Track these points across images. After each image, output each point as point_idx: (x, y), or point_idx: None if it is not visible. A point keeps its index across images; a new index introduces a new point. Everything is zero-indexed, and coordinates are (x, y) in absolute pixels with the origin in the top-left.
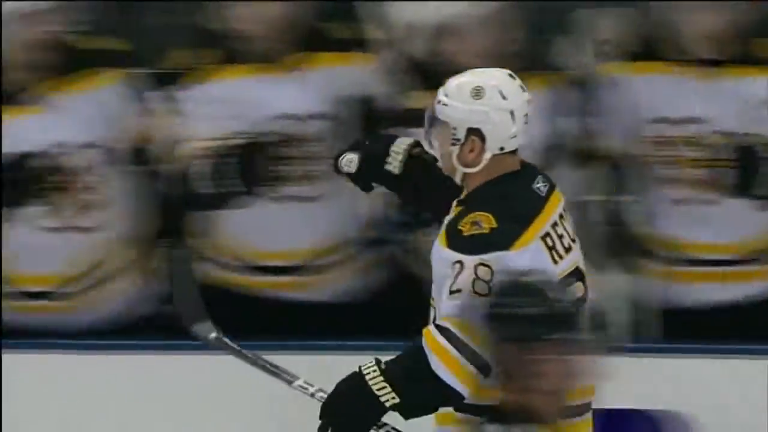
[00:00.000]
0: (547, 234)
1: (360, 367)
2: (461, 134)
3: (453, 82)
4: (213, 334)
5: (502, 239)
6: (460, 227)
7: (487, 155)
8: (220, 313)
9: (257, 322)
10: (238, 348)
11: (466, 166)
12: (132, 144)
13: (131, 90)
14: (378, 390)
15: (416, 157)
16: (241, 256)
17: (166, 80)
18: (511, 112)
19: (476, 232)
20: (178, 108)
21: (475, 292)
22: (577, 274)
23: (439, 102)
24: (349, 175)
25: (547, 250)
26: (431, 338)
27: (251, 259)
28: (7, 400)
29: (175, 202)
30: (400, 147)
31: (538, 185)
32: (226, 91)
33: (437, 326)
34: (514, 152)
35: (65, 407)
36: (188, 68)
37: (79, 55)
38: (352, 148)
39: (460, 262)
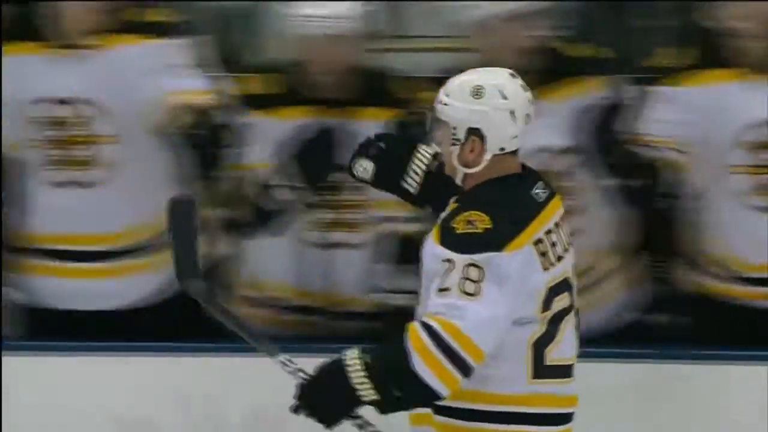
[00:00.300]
0: (540, 240)
1: (343, 356)
2: (461, 134)
3: (454, 82)
4: (203, 292)
5: (495, 240)
6: (453, 225)
7: (488, 156)
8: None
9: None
10: (225, 309)
11: (467, 166)
12: (617, 153)
13: (614, 96)
14: (358, 384)
15: (435, 172)
16: (728, 266)
17: (646, 82)
18: (512, 112)
19: (470, 230)
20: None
21: (463, 292)
22: (565, 284)
23: (440, 102)
24: (362, 180)
25: (538, 256)
26: (415, 336)
27: (738, 270)
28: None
29: (660, 215)
30: (420, 165)
31: (537, 191)
32: (703, 95)
33: (422, 323)
34: (514, 153)
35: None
36: (669, 69)
37: (565, 61)
38: (366, 153)
39: (450, 260)
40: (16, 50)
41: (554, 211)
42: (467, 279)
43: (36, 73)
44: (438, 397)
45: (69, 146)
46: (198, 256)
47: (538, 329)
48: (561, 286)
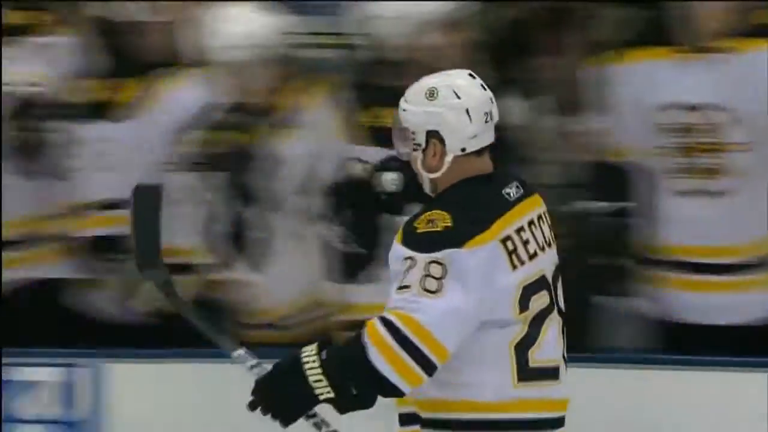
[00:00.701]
0: (509, 238)
1: (300, 352)
2: (421, 138)
3: (412, 87)
4: (162, 280)
5: (455, 237)
6: (415, 224)
7: (449, 157)
8: None
9: None
10: (182, 301)
11: (431, 171)
12: None
13: None
14: (314, 382)
15: None
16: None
17: None
18: (467, 111)
19: (430, 229)
20: None
21: (424, 289)
22: (542, 283)
23: (401, 109)
24: (385, 194)
25: (506, 253)
26: (373, 330)
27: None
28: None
29: None
30: None
31: (509, 190)
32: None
33: (380, 318)
34: (480, 154)
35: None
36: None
37: None
38: (390, 167)
39: (411, 257)
40: (646, 55)
41: (528, 209)
42: (429, 276)
43: (666, 79)
44: (397, 393)
45: (696, 154)
46: (160, 245)
47: (519, 331)
48: (537, 285)
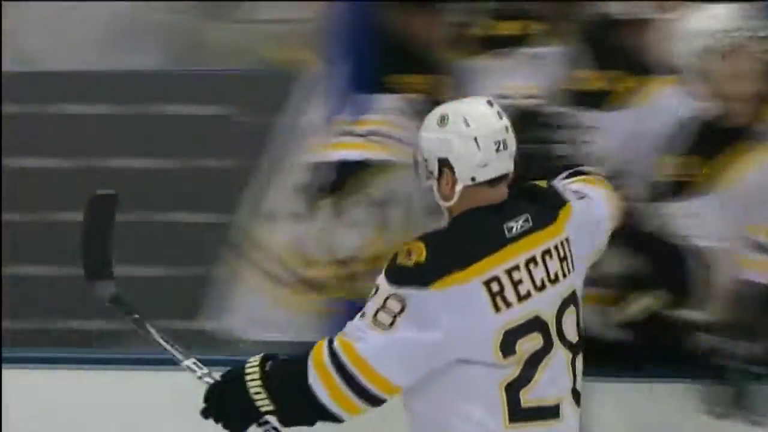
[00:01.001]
0: (495, 278)
1: (245, 364)
2: (433, 166)
3: (429, 115)
4: (111, 294)
5: (423, 276)
6: (398, 252)
7: (459, 186)
8: None
9: None
10: (132, 315)
11: (445, 200)
12: None
13: None
14: (254, 394)
15: None
16: None
17: None
18: (475, 139)
19: (404, 263)
20: None
21: (375, 321)
22: (533, 325)
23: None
24: None
25: (488, 295)
26: (318, 352)
27: None
28: None
29: None
30: None
31: (512, 224)
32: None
33: (328, 341)
34: (493, 184)
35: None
36: None
37: None
38: None
39: (378, 286)
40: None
41: (533, 245)
42: (384, 309)
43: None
44: (335, 419)
45: None
46: (111, 256)
47: (511, 373)
48: (526, 328)
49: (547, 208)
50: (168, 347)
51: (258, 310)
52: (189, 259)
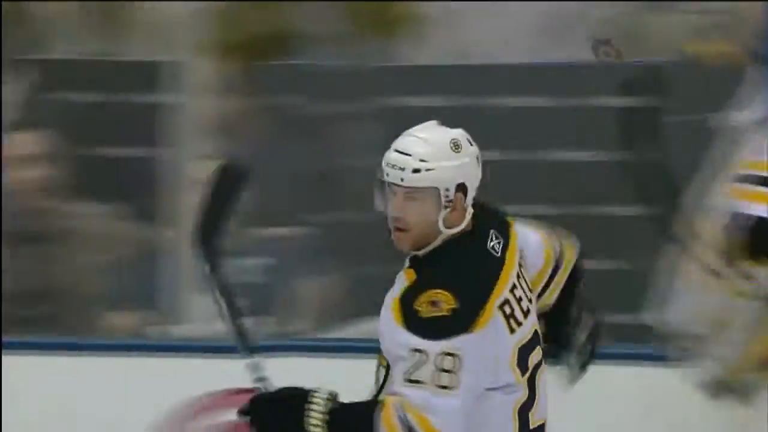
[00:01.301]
0: (506, 302)
1: (312, 392)
2: (452, 193)
3: (419, 146)
4: (213, 258)
5: (463, 321)
6: (417, 307)
7: (469, 210)
8: None
9: None
10: (224, 286)
11: (452, 227)
12: None
13: None
14: (312, 425)
15: None
16: None
17: None
18: (477, 158)
19: (436, 314)
20: None
21: (438, 386)
22: (536, 339)
23: (417, 171)
24: None
25: (505, 320)
26: (389, 416)
27: None
28: None
29: None
30: None
31: (493, 244)
32: None
33: (397, 408)
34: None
35: None
36: None
37: None
38: None
39: (420, 351)
40: None
41: (513, 261)
42: (442, 371)
43: None
44: None
45: None
46: (226, 225)
47: (522, 395)
48: (532, 342)
49: (498, 223)
50: (240, 336)
51: (697, 304)
52: (630, 252)
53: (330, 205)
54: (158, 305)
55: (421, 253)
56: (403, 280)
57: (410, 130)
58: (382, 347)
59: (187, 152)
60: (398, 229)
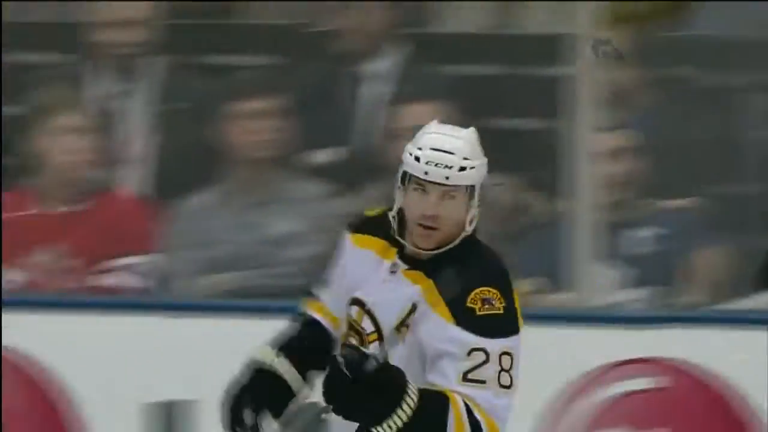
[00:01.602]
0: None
1: (410, 389)
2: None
3: (460, 145)
4: None
5: (514, 319)
6: (470, 305)
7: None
8: None
9: None
10: None
11: (471, 225)
12: None
13: None
14: (401, 411)
15: None
16: None
17: None
18: None
19: (492, 312)
20: None
21: (501, 386)
22: None
23: (463, 169)
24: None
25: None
26: (460, 420)
27: None
28: None
29: None
30: None
31: None
32: None
33: (469, 409)
34: None
35: None
36: None
37: None
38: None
39: (482, 350)
40: None
41: None
42: (503, 371)
43: None
44: None
45: None
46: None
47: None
48: None
49: None
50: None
51: None
52: None
53: (728, 176)
54: (556, 275)
55: (433, 253)
56: (444, 276)
57: (434, 129)
58: (426, 348)
59: (583, 124)
60: (428, 228)
